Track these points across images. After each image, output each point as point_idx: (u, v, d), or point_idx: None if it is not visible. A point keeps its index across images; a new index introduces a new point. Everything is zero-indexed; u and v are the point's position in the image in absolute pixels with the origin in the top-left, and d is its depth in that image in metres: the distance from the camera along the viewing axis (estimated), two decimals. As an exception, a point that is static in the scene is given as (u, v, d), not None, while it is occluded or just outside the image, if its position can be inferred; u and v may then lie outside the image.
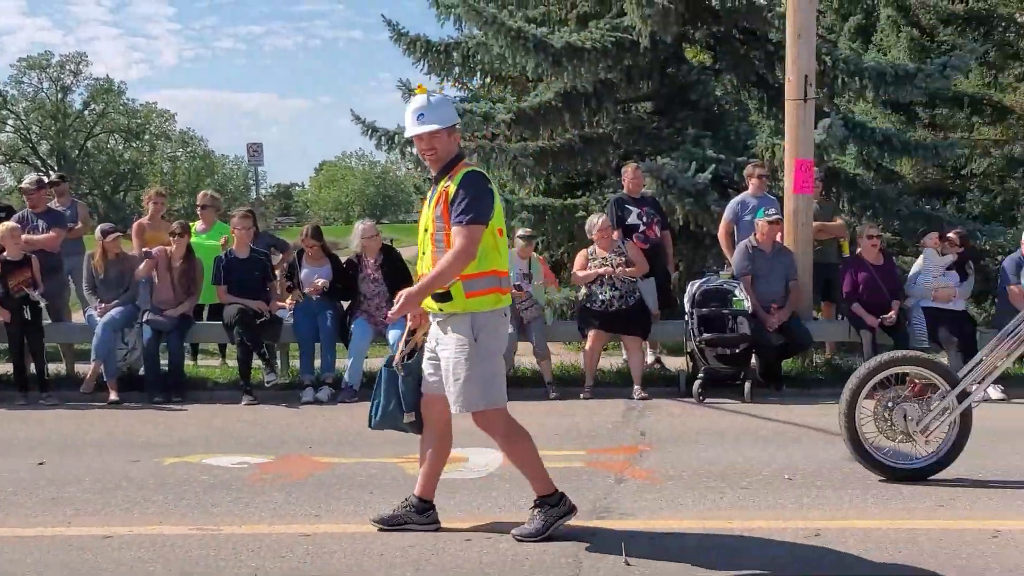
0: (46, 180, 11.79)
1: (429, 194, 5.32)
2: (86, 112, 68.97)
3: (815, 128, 10.86)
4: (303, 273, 10.46)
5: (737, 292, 9.81)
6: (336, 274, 10.46)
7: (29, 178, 11.58)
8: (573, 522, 5.53)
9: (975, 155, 16.43)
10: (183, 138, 74.59)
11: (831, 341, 11.22)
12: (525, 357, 10.71)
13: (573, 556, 5.08)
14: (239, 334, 10.01)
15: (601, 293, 9.93)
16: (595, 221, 10.23)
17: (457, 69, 15.11)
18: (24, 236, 10.24)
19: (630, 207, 10.76)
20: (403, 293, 5.15)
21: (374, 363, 11.20)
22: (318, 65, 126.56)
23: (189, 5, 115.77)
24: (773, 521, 5.64)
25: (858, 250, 10.44)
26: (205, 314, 11.02)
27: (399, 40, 14.84)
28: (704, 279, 10.11)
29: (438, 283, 5.08)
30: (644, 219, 10.68)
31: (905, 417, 6.41)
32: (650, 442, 7.85)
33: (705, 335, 9.57)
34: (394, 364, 5.44)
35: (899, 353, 7.05)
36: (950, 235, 10.49)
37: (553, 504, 5.39)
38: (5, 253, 10.00)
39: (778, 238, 10.29)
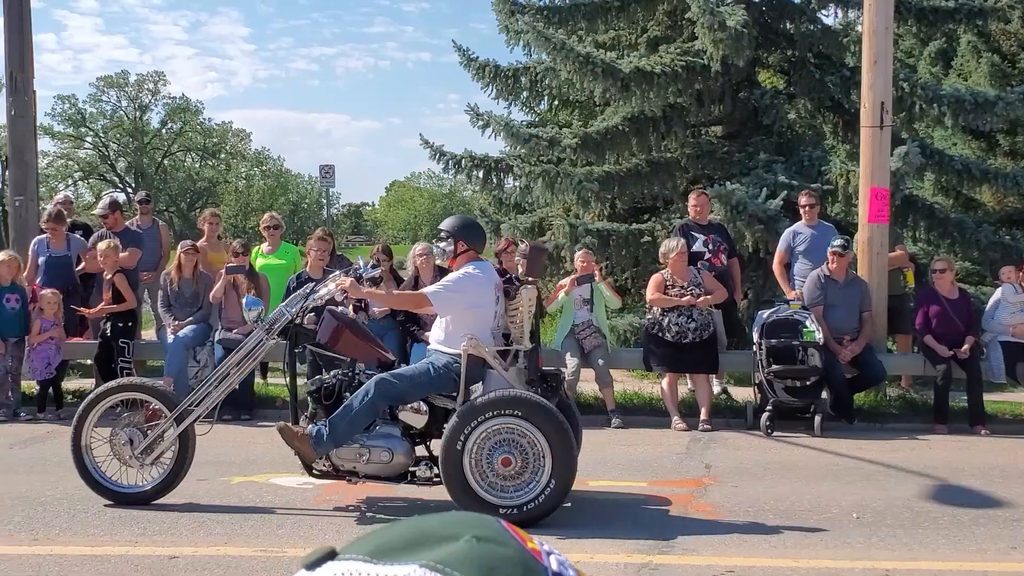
0: (120, 201, 11.94)
1: None
2: (164, 130, 70.12)
3: (891, 155, 10.66)
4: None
5: (808, 323, 9.59)
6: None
7: (102, 204, 11.54)
8: (635, 556, 5.46)
9: (1057, 185, 15.98)
10: (258, 157, 75.46)
11: (906, 374, 10.97)
12: (588, 384, 10.63)
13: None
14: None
15: (676, 324, 9.78)
16: (672, 245, 9.98)
17: (525, 93, 15.13)
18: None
19: (696, 234, 10.49)
20: None
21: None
22: (388, 87, 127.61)
23: (264, 26, 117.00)
24: (841, 561, 5.53)
25: (933, 283, 10.20)
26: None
27: (468, 65, 14.89)
28: (774, 308, 9.89)
29: None
30: (710, 246, 10.44)
31: (128, 443, 6.63)
32: (715, 475, 7.69)
33: (774, 367, 9.35)
34: None
35: (124, 380, 7.76)
36: (1026, 268, 10.23)
37: None
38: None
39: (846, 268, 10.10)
